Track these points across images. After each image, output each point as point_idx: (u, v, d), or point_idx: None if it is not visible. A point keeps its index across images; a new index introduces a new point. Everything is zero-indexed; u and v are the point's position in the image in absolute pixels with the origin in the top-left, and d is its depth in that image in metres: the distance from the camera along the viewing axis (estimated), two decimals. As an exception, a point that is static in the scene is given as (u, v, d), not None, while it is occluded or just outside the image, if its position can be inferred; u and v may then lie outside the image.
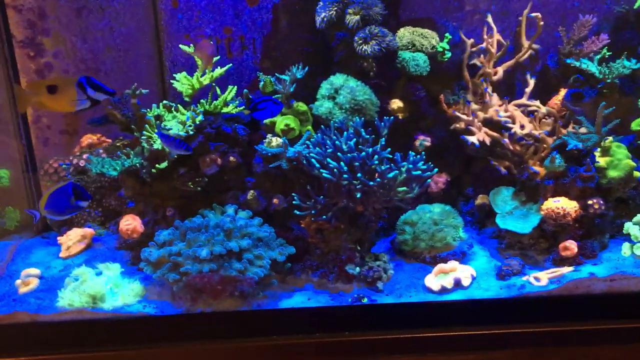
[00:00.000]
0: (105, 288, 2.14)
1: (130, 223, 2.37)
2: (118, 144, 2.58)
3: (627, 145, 2.38)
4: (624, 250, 2.27)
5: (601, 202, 2.26)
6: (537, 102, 2.57)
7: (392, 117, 2.30)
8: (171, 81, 2.46)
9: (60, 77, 2.49)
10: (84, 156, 2.63)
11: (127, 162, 2.34)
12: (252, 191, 2.37)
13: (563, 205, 2.24)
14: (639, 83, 2.53)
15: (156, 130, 2.27)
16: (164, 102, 2.41)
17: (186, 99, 2.42)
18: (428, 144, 2.58)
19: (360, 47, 2.46)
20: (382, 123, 2.29)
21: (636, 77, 2.53)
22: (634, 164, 2.30)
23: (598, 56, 2.53)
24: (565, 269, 2.21)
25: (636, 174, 2.32)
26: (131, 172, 2.37)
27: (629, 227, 2.29)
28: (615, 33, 2.62)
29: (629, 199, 2.39)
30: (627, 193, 2.37)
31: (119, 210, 2.61)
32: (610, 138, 2.32)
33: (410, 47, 2.53)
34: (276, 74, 2.47)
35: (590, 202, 2.26)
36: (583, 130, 2.39)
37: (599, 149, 2.32)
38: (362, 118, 2.38)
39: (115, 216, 2.61)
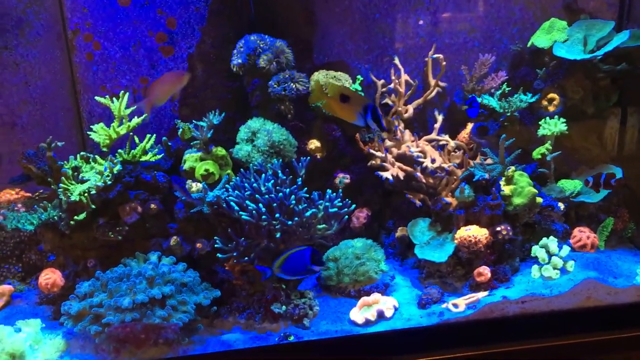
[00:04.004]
0: (25, 345, 2.09)
1: (50, 277, 2.34)
2: (36, 198, 2.55)
3: (530, 174, 2.52)
4: (533, 273, 2.37)
5: (509, 228, 2.37)
6: (447, 137, 2.70)
7: (308, 157, 2.38)
8: (88, 132, 2.47)
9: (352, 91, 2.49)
10: (0, 212, 2.58)
11: (44, 216, 2.31)
12: (175, 237, 2.37)
13: (474, 233, 2.34)
14: (537, 115, 2.69)
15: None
16: (82, 153, 2.41)
17: (104, 149, 2.42)
18: (348, 181, 2.65)
19: (274, 89, 2.53)
20: (300, 163, 2.37)
21: (534, 110, 2.70)
22: (535, 190, 2.43)
23: (499, 92, 2.69)
24: (481, 294, 2.30)
25: (539, 199, 2.45)
26: (49, 225, 2.34)
27: (536, 250, 2.40)
28: (513, 70, 2.80)
29: (535, 224, 2.51)
30: (532, 218, 2.49)
31: (39, 264, 2.56)
32: (513, 167, 2.45)
33: (324, 89, 2.62)
34: (194, 120, 2.50)
35: (498, 228, 2.37)
36: (489, 161, 2.52)
37: (503, 178, 2.45)
38: (281, 160, 2.45)
39: (36, 271, 2.55)
